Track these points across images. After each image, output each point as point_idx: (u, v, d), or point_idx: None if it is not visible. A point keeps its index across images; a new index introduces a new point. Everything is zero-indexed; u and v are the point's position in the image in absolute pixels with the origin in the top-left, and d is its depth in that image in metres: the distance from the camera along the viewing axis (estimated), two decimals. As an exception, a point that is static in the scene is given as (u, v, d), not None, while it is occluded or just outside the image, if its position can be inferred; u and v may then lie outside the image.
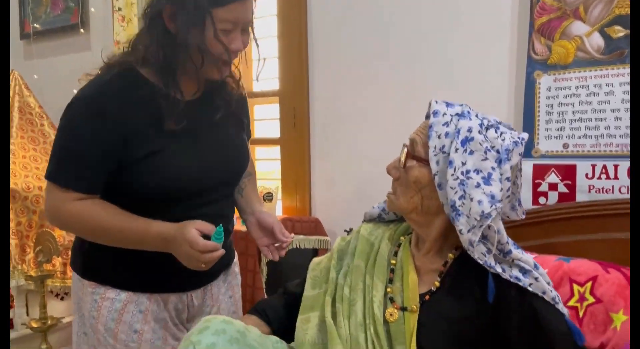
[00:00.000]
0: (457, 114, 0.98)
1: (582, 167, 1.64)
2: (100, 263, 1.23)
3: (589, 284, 1.32)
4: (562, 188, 1.67)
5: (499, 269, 0.93)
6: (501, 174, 0.95)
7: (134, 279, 1.22)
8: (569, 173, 1.66)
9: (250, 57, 1.48)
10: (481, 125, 0.97)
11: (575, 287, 1.34)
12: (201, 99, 1.21)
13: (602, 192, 1.61)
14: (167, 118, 1.13)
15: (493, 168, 0.95)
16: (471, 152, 0.94)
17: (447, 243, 1.03)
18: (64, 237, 2.26)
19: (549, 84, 1.68)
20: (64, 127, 1.12)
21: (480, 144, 0.95)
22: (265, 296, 1.82)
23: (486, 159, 0.95)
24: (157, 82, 1.13)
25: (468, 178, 0.93)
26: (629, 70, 1.56)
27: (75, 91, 2.79)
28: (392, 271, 1.04)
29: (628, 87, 1.56)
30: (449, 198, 0.94)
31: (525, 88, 1.72)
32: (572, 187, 1.66)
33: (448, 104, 1.00)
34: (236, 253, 1.45)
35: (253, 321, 1.11)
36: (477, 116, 0.99)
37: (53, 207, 1.14)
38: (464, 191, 0.93)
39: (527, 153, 1.72)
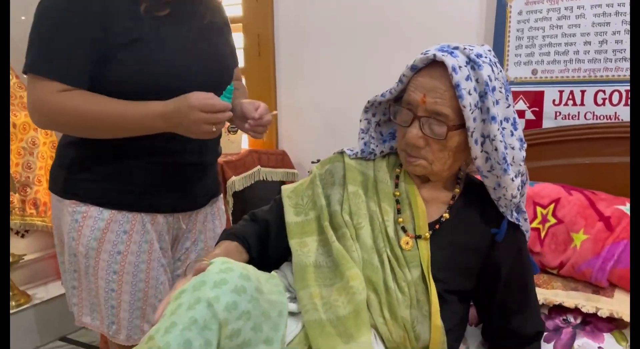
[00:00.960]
0: (467, 63, 0.93)
1: (550, 94, 1.63)
2: (83, 178, 1.17)
3: (552, 206, 1.35)
4: (529, 115, 1.67)
5: (512, 217, 1.00)
6: (511, 105, 0.98)
7: (120, 197, 1.17)
8: (536, 100, 1.65)
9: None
10: (492, 70, 0.94)
11: (539, 209, 1.36)
12: (185, 3, 1.17)
13: (568, 118, 1.61)
14: (143, 3, 1.08)
15: (514, 111, 0.97)
16: (497, 102, 0.94)
17: (452, 176, 1.06)
18: (20, 174, 2.17)
19: (520, 8, 1.64)
20: (40, 15, 1.06)
21: (500, 91, 0.95)
22: (232, 227, 1.80)
23: (509, 105, 0.96)
24: None
25: (503, 128, 0.95)
26: (601, -8, 1.53)
27: (24, 18, 2.58)
28: (397, 201, 1.04)
29: (599, 10, 1.53)
30: (499, 151, 0.94)
31: (496, 12, 1.67)
32: (539, 114, 1.65)
33: (451, 53, 0.94)
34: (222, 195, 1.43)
35: (235, 248, 1.04)
36: (478, 57, 0.94)
37: (38, 102, 1.07)
38: (505, 142, 0.95)
39: (496, 80, 1.69)
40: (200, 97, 1.03)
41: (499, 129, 0.93)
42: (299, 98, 2.13)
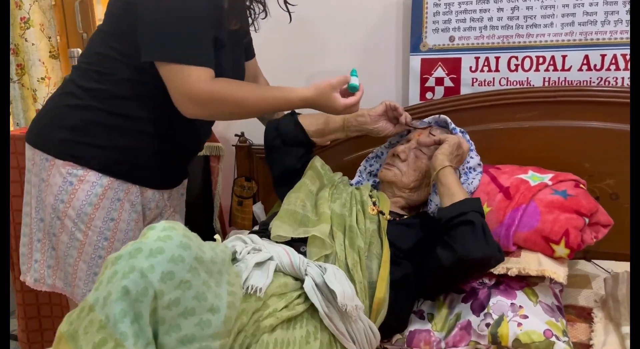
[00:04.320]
0: (461, 130, 1.45)
1: (467, 61, 1.66)
2: (88, 142, 1.18)
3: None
4: (447, 82, 1.70)
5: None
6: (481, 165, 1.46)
7: (122, 166, 1.21)
8: (454, 67, 1.68)
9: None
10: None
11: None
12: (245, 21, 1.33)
13: (484, 84, 1.66)
14: (229, 18, 1.19)
15: (481, 171, 1.44)
16: (472, 157, 1.42)
17: (412, 209, 1.41)
18: None
19: (437, -26, 1.64)
20: (171, 5, 1.06)
21: (477, 155, 1.44)
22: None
23: (480, 164, 1.44)
24: None
25: (469, 169, 1.43)
26: (512, -41, 1.55)
27: None
28: (371, 196, 1.34)
29: (511, -24, 1.57)
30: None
31: (413, -22, 1.67)
32: (457, 81, 1.68)
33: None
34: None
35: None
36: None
37: (203, 90, 1.09)
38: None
39: (415, 48, 1.70)
40: (341, 102, 1.19)
41: (464, 168, 1.38)
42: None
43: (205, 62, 1.09)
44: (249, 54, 1.49)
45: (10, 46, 2.14)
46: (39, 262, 1.28)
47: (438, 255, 1.14)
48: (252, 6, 1.31)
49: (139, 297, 0.76)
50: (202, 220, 2.08)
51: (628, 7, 1.47)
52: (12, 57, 2.17)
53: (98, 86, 1.18)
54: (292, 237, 1.14)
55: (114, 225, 1.21)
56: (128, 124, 1.20)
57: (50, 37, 2.19)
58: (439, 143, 1.33)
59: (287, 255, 1.04)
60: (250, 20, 1.33)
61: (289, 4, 1.35)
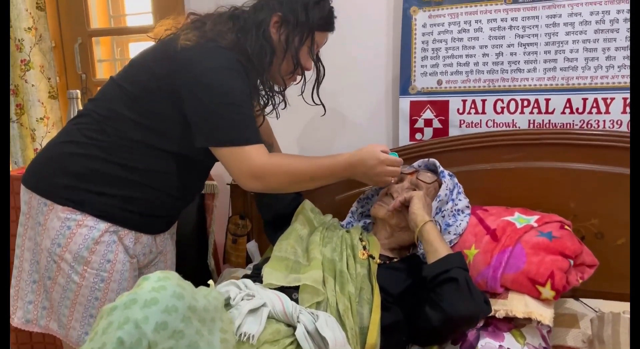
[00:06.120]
0: (449, 174, 1.48)
1: (454, 103, 1.72)
2: (89, 189, 1.22)
3: (445, 227, 1.45)
4: (436, 124, 1.75)
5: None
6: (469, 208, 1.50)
7: (120, 213, 1.24)
8: (442, 109, 1.74)
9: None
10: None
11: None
12: None
13: (472, 126, 1.71)
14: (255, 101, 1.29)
15: (469, 213, 1.49)
16: (460, 199, 1.47)
17: (401, 249, 1.42)
18: None
19: (424, 21, 1.71)
20: (223, 92, 1.15)
21: (465, 197, 1.50)
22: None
23: (468, 206, 1.50)
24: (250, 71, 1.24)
25: (457, 212, 1.47)
26: (496, 7, 1.62)
27: None
28: (361, 240, 1.36)
29: (495, 24, 1.63)
30: (444, 221, 1.44)
31: (402, 24, 1.74)
32: (445, 123, 1.74)
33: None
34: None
35: None
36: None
37: (264, 164, 1.18)
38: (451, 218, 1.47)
39: (404, 91, 1.76)
40: (388, 156, 1.28)
41: (452, 210, 1.43)
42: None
43: (259, 139, 1.19)
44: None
45: (10, 87, 2.19)
46: (34, 303, 1.30)
47: (427, 315, 1.14)
48: (273, 96, 1.39)
49: (133, 347, 0.78)
50: (196, 257, 2.09)
51: (607, 53, 1.53)
52: (11, 97, 2.22)
53: (106, 139, 1.22)
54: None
55: (110, 266, 1.23)
56: (132, 175, 1.23)
57: (50, 78, 2.24)
58: (405, 203, 1.34)
59: (279, 301, 1.07)
60: (271, 108, 1.42)
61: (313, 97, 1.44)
